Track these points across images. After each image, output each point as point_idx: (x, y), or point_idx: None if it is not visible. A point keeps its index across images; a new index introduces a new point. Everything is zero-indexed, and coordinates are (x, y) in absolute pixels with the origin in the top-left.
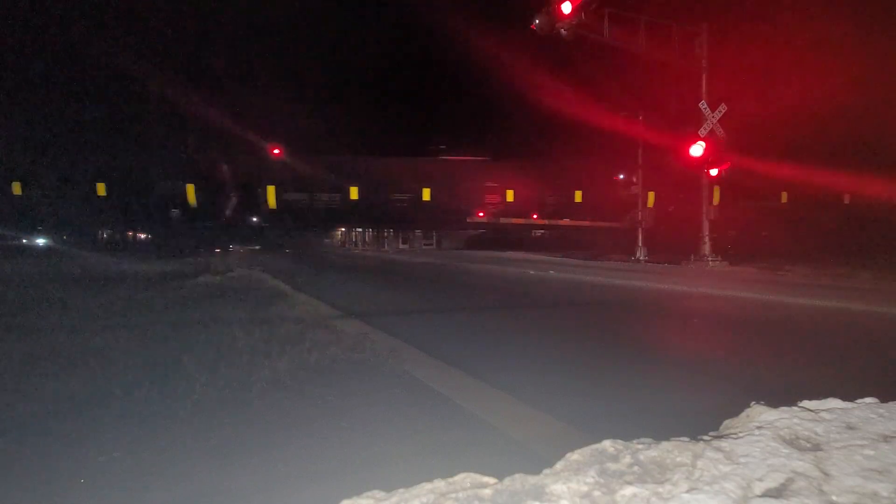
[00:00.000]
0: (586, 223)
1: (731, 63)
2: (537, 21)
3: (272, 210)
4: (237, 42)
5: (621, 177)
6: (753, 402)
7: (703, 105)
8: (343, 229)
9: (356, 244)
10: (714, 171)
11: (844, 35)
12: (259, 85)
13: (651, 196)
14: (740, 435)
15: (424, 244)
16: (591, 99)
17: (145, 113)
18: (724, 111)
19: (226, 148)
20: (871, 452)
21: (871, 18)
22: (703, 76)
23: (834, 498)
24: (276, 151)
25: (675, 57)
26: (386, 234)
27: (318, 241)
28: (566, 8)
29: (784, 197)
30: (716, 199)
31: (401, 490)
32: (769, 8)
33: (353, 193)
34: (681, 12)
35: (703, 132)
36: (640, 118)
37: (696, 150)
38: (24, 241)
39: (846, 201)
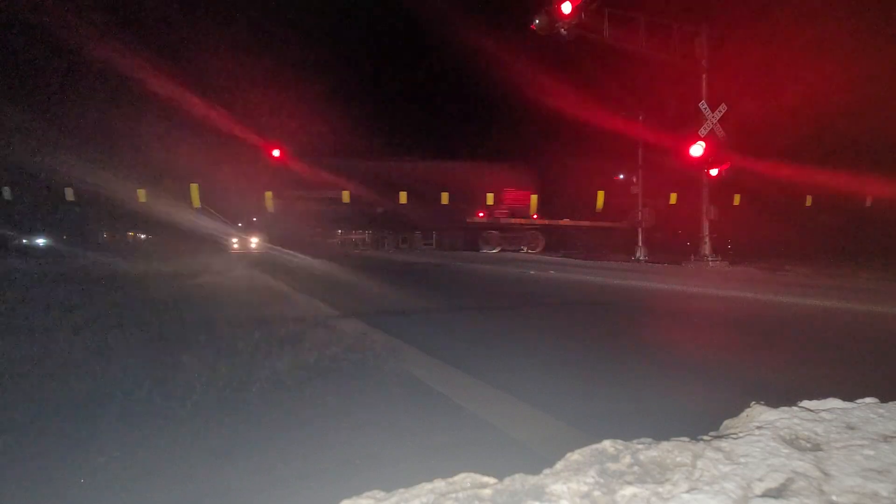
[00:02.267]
0: (586, 223)
1: (731, 63)
2: (537, 21)
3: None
4: (234, 40)
5: (621, 177)
6: (753, 402)
7: (702, 105)
8: (341, 230)
9: (356, 245)
10: (714, 171)
11: (846, 33)
12: (259, 85)
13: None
14: (740, 435)
15: (424, 244)
16: (591, 99)
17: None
18: (724, 111)
19: (225, 149)
20: (871, 452)
21: (873, 16)
22: (703, 76)
23: (834, 498)
24: (275, 153)
25: (675, 57)
26: (386, 234)
27: (321, 241)
28: (566, 8)
29: (737, 199)
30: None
31: (401, 490)
32: (770, 7)
33: (346, 197)
34: (681, 12)
35: (703, 132)
36: (640, 118)
37: (696, 149)
38: (24, 241)
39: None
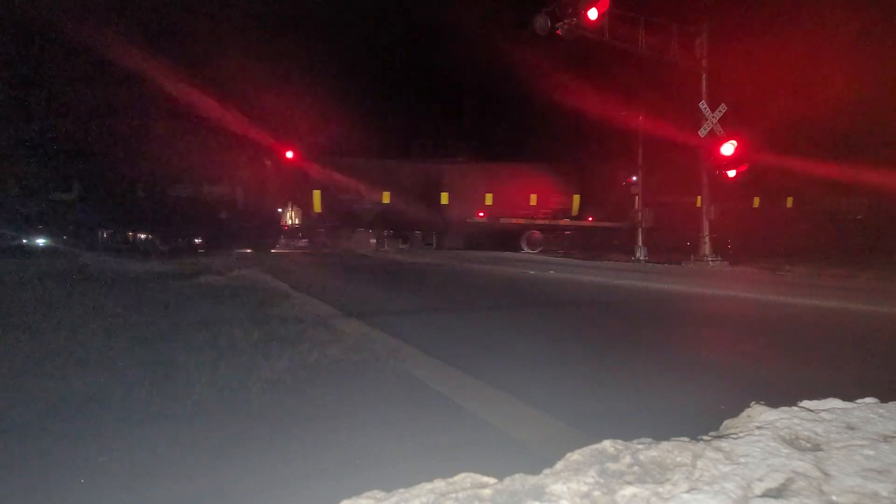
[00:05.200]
0: (586, 223)
1: (731, 63)
2: (537, 21)
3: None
4: (245, 39)
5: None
6: (753, 402)
7: (703, 105)
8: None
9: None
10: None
11: (847, 33)
12: (268, 84)
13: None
14: (740, 435)
15: (425, 244)
16: (590, 99)
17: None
18: (724, 111)
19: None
20: (871, 452)
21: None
22: (703, 76)
23: (834, 498)
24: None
25: (675, 57)
26: (386, 234)
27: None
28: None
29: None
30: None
31: (401, 490)
32: (770, 7)
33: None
34: (681, 12)
35: (702, 133)
36: (640, 118)
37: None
38: (24, 240)
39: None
